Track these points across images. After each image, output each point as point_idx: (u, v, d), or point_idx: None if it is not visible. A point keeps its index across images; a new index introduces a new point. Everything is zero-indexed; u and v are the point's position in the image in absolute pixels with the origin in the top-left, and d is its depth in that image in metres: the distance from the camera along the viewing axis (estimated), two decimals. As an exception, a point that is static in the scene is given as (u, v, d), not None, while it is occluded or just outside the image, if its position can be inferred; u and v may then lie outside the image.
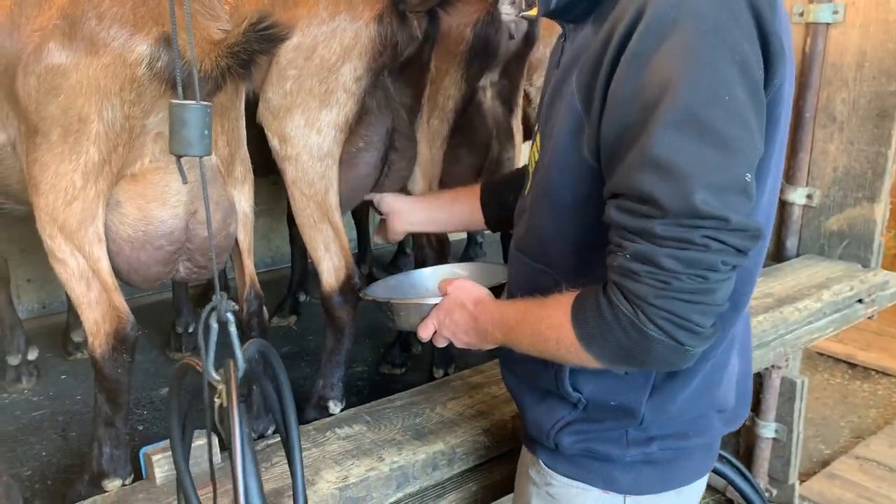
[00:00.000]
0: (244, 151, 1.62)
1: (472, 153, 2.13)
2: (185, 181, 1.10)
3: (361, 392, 2.21)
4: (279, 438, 1.72)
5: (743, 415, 1.41)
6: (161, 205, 1.43)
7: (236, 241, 1.62)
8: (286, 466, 1.57)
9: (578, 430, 1.28)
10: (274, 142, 1.69)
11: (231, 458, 1.14)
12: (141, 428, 2.02)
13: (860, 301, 2.75)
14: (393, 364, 2.29)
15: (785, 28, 1.08)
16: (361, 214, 3.07)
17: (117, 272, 1.46)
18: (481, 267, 1.81)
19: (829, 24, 2.82)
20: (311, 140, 1.65)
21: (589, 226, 1.15)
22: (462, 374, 2.04)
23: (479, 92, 2.06)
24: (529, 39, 2.05)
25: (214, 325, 1.16)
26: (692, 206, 0.95)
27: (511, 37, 1.96)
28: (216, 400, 1.21)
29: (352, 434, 1.73)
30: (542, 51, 2.33)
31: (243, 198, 1.61)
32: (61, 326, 2.50)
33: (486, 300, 1.36)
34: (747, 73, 0.99)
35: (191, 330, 2.40)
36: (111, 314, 1.42)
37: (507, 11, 1.94)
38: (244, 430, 1.17)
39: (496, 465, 1.79)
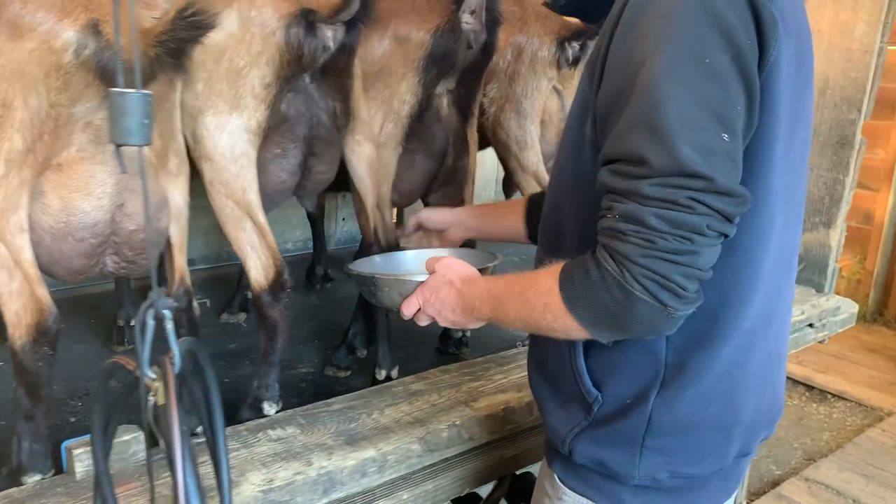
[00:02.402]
0: (179, 144, 1.60)
1: (427, 159, 2.13)
2: (123, 170, 1.07)
3: (303, 394, 2.18)
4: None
5: (761, 434, 1.33)
6: (84, 195, 1.40)
7: (168, 235, 1.60)
8: (210, 467, 1.54)
9: (593, 437, 1.26)
10: (190, 141, 1.69)
11: (170, 457, 1.10)
12: (73, 420, 1.98)
13: (811, 325, 2.77)
14: (338, 367, 2.27)
15: (791, 3, 1.09)
16: (317, 215, 3.04)
17: (39, 263, 1.42)
18: (467, 252, 1.81)
19: (794, 49, 2.84)
20: (223, 142, 1.65)
21: (595, 210, 1.13)
22: (404, 380, 2.02)
23: (435, 99, 2.05)
24: (488, 50, 2.06)
25: (151, 323, 1.13)
26: (678, 162, 0.97)
27: (469, 46, 1.96)
28: (151, 398, 1.19)
29: (283, 436, 1.70)
30: (497, 62, 2.34)
31: (177, 192, 1.58)
32: None
33: (474, 277, 1.36)
34: (730, 40, 1.00)
35: (132, 323, 2.36)
36: (33, 306, 1.38)
37: (467, 20, 1.94)
38: (183, 428, 1.15)
39: (429, 474, 1.77)
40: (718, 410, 1.23)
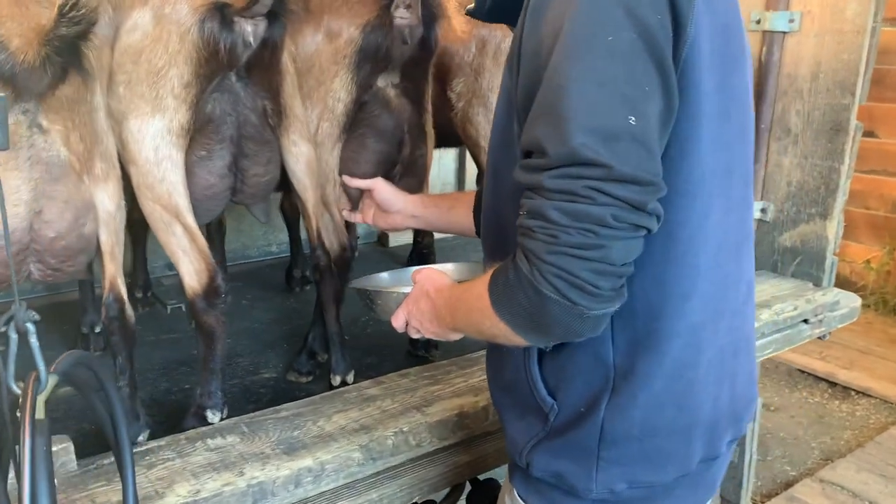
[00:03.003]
0: (106, 147, 1.57)
1: (380, 147, 2.06)
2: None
3: (261, 399, 2.15)
4: (149, 446, 1.68)
5: (726, 435, 1.26)
6: (-3, 203, 1.37)
7: (98, 242, 1.57)
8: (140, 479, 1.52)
9: (549, 448, 1.22)
10: (118, 146, 1.67)
11: (18, 479, 1.08)
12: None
13: (805, 321, 2.64)
14: (299, 372, 2.23)
15: None
16: (292, 217, 3.01)
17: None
18: (472, 266, 1.78)
19: (785, 32, 2.71)
20: (146, 145, 1.61)
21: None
22: (360, 385, 1.97)
23: (381, 91, 1.99)
24: (426, 45, 1.99)
25: (13, 336, 1.10)
26: (572, 151, 0.92)
27: (405, 42, 1.90)
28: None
29: (222, 445, 1.67)
30: (462, 56, 2.28)
31: (106, 196, 1.55)
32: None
33: (445, 286, 1.32)
34: (636, 17, 0.94)
35: (97, 329, 2.35)
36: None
37: (402, 15, 1.88)
38: (39, 448, 1.11)
39: (373, 483, 1.72)
40: (673, 413, 1.17)
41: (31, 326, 1.02)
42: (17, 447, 1.07)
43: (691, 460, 1.21)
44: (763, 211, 2.89)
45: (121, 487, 1.49)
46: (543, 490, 1.26)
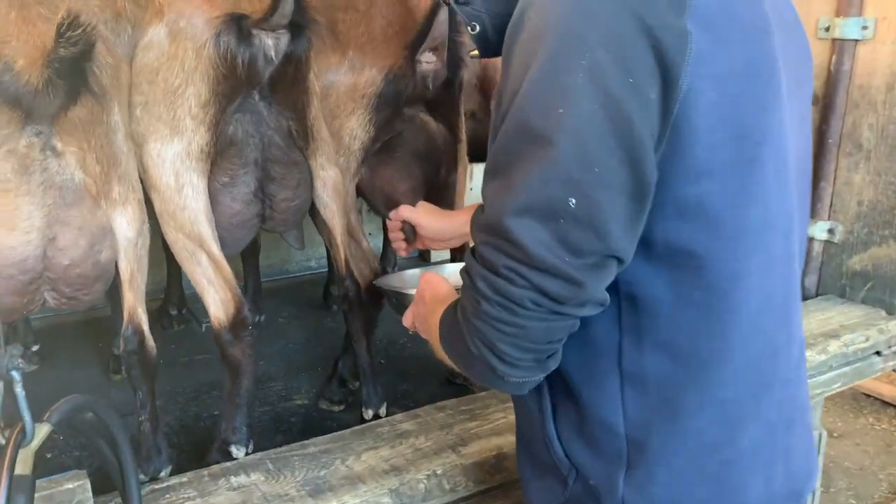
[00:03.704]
0: (125, 169, 1.49)
1: (422, 172, 2.00)
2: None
3: (292, 429, 2.06)
4: (170, 482, 1.60)
5: None
6: (9, 231, 1.31)
7: (117, 269, 1.49)
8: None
9: None
10: (140, 171, 1.59)
11: None
12: (49, 456, 1.91)
13: (878, 353, 2.44)
14: (331, 401, 2.13)
15: (718, 11, 0.90)
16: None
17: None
18: None
19: (857, 40, 2.52)
20: (166, 170, 1.54)
21: None
22: (393, 419, 1.86)
23: (416, 116, 1.92)
24: (450, 88, 1.94)
25: (-1, 383, 1.03)
26: (501, 226, 0.89)
27: (427, 87, 1.84)
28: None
29: (245, 484, 1.58)
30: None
31: (125, 221, 1.48)
32: None
33: (438, 296, 1.22)
34: (599, 85, 0.84)
35: (126, 351, 2.30)
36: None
37: (427, 60, 1.82)
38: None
39: (400, 530, 1.61)
40: (708, 494, 1.05)
41: (16, 375, 0.94)
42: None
43: None
44: (830, 231, 2.69)
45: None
46: None
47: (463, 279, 0.96)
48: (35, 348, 2.39)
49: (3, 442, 0.97)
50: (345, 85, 1.82)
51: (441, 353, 1.15)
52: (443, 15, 1.81)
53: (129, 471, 1.16)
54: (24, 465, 0.97)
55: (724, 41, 0.90)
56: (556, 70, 0.86)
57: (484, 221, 0.93)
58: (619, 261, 0.90)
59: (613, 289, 0.95)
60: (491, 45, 1.15)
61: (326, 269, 3.11)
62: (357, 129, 1.84)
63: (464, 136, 2.10)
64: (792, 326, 1.11)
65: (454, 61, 1.93)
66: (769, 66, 0.97)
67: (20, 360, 0.92)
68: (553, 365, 0.98)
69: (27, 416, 0.97)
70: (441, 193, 2.04)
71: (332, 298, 2.95)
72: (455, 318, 1.00)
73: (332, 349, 2.52)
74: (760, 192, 0.96)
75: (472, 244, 0.98)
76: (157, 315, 2.68)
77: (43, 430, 1.00)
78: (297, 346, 2.61)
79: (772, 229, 1.00)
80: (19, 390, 0.96)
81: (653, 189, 0.89)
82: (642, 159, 0.86)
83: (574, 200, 0.85)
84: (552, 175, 0.86)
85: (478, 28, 1.14)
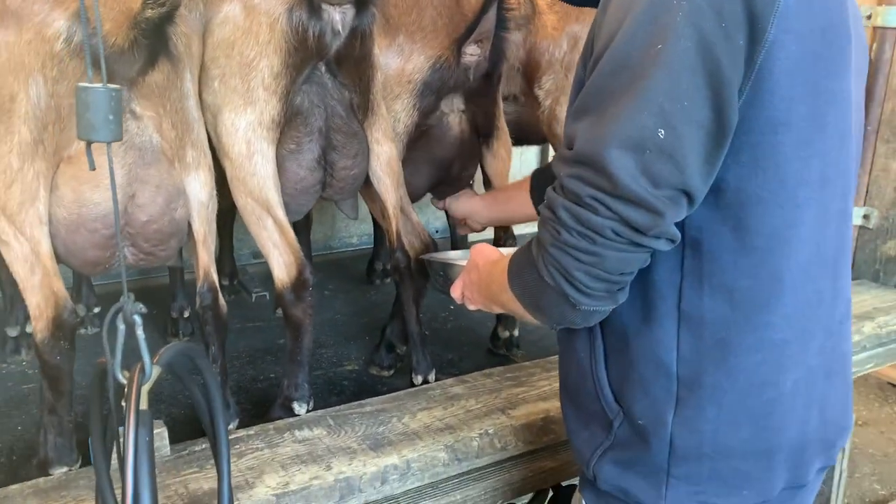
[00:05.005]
0: (197, 135, 1.58)
1: (435, 171, 2.14)
2: (92, 168, 1.05)
3: (345, 392, 2.15)
4: (238, 435, 1.70)
5: (814, 462, 1.18)
6: (94, 187, 1.41)
7: (190, 229, 1.59)
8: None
9: (615, 461, 1.19)
10: (214, 140, 1.68)
11: (121, 467, 1.10)
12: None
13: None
14: (380, 366, 2.23)
15: None
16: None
17: (56, 255, 1.44)
18: None
19: (898, 28, 2.55)
20: (239, 138, 1.63)
21: None
22: (444, 383, 1.95)
23: (444, 117, 2.02)
24: (489, 80, 2.02)
25: (121, 327, 1.12)
26: (592, 155, 0.94)
27: (468, 78, 1.92)
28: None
29: (309, 437, 1.67)
30: (553, 52, 2.24)
31: (198, 184, 1.57)
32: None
33: (493, 260, 1.34)
34: (695, 26, 0.91)
35: (186, 314, 2.41)
36: (52, 299, 1.41)
37: (472, 52, 1.89)
38: (142, 439, 1.13)
39: (457, 483, 1.70)
40: (750, 433, 1.11)
41: (138, 319, 1.03)
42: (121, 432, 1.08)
43: (772, 486, 1.14)
44: (865, 217, 2.73)
45: (212, 474, 1.53)
46: (611, 501, 1.22)
47: (543, 214, 1.02)
48: (97, 310, 2.50)
49: (124, 381, 1.07)
50: (392, 69, 1.90)
51: (500, 307, 1.25)
52: (492, 11, 1.89)
53: (218, 415, 1.25)
54: (143, 402, 1.06)
55: (809, 1, 0.96)
56: (657, 10, 0.92)
57: (572, 155, 0.98)
58: (690, 199, 0.96)
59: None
60: None
61: (368, 246, 3.20)
62: (401, 112, 1.93)
63: (502, 122, 2.19)
64: (839, 282, 1.16)
65: (496, 55, 2.01)
66: (844, 36, 1.03)
67: (141, 305, 1.02)
68: (622, 298, 1.04)
69: (146, 357, 1.06)
70: (448, 190, 2.18)
71: (376, 274, 3.04)
72: (528, 254, 1.06)
73: (378, 321, 2.61)
74: (824, 149, 1.02)
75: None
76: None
77: (155, 372, 1.09)
78: (344, 317, 2.70)
79: (831, 185, 1.06)
80: (140, 332, 1.05)
81: (732, 132, 0.95)
82: (727, 100, 0.92)
83: (663, 132, 0.91)
84: (645, 105, 0.91)
85: None
